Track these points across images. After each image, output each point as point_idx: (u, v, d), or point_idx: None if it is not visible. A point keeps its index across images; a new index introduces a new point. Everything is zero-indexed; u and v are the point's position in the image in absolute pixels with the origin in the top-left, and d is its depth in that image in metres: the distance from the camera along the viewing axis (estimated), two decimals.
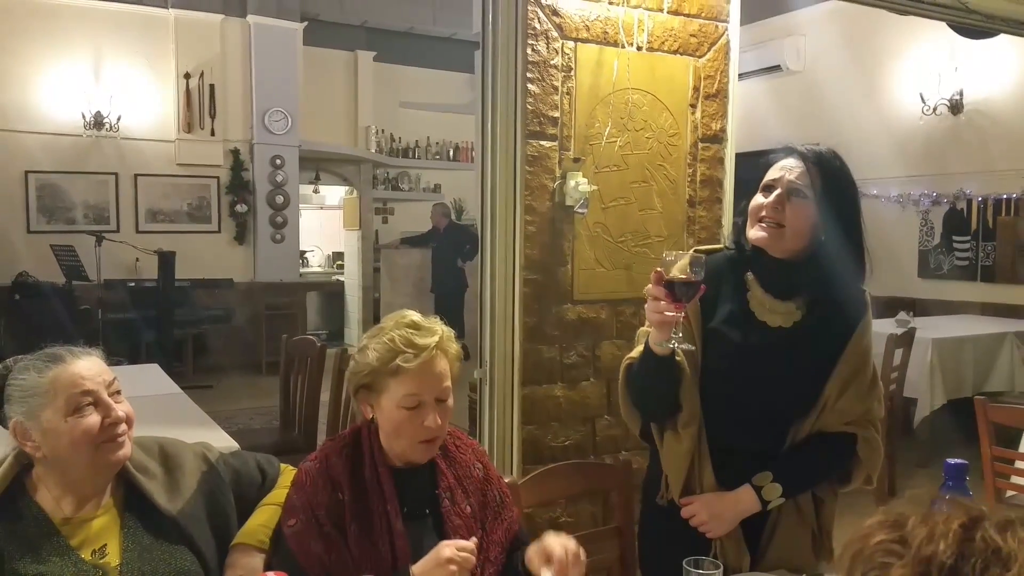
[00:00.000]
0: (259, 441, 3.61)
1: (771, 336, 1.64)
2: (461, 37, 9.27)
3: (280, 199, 8.39)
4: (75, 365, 1.34)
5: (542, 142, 2.57)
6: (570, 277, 2.66)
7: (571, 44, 2.60)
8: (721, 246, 1.79)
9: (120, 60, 7.61)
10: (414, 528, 1.45)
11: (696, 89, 2.83)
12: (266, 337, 7.88)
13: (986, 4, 3.54)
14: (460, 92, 9.66)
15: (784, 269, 1.64)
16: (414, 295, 8.53)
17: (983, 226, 5.92)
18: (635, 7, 2.69)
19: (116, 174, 7.69)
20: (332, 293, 9.93)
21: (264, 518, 1.49)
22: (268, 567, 1.40)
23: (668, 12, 2.76)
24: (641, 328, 1.73)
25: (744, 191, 1.72)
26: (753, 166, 1.72)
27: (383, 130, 9.79)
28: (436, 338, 1.46)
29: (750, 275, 1.68)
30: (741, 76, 3.03)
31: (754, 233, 1.62)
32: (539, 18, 2.54)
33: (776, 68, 7.07)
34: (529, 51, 2.53)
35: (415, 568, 1.37)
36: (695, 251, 1.61)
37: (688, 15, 2.80)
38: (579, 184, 2.57)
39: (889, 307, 5.58)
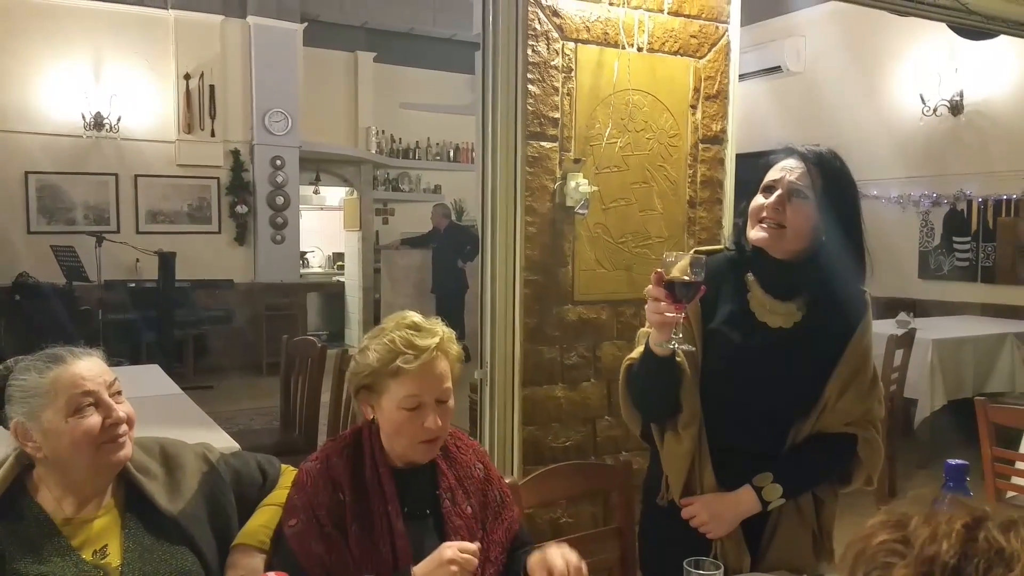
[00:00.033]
0: (260, 442, 3.62)
1: (771, 337, 1.64)
2: (461, 38, 9.28)
3: (280, 200, 8.39)
4: (76, 366, 1.34)
5: (542, 143, 2.57)
6: (571, 278, 2.66)
7: (571, 45, 2.60)
8: (721, 247, 1.79)
9: (120, 61, 7.61)
10: (415, 528, 1.46)
11: (696, 90, 2.84)
12: (266, 338, 7.89)
13: (986, 5, 3.54)
14: (460, 93, 9.66)
15: (784, 270, 1.64)
16: (414, 296, 8.53)
17: (983, 227, 5.92)
18: (635, 8, 2.69)
19: (116, 175, 7.69)
20: (332, 294, 9.94)
21: (265, 518, 1.49)
22: (269, 567, 1.40)
23: (668, 13, 2.76)
24: (641, 329, 1.73)
25: (744, 192, 1.72)
26: (753, 167, 1.72)
27: (383, 131, 9.79)
28: (437, 339, 1.46)
29: (750, 276, 1.68)
30: (741, 77, 3.03)
31: (755, 234, 1.62)
32: (539, 19, 2.54)
33: (776, 69, 7.07)
34: (529, 52, 2.53)
35: (417, 569, 1.37)
36: (695, 252, 1.61)
37: (688, 16, 2.80)
38: (579, 185, 2.57)
39: (889, 308, 5.58)
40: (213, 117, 7.96)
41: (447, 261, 8.39)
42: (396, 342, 1.43)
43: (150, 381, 3.42)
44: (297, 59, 8.41)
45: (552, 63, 2.57)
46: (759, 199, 1.63)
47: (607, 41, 2.66)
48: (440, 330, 1.49)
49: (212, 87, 7.92)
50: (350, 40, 9.42)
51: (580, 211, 2.62)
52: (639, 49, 2.71)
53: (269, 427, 5.24)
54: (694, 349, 1.64)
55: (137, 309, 6.99)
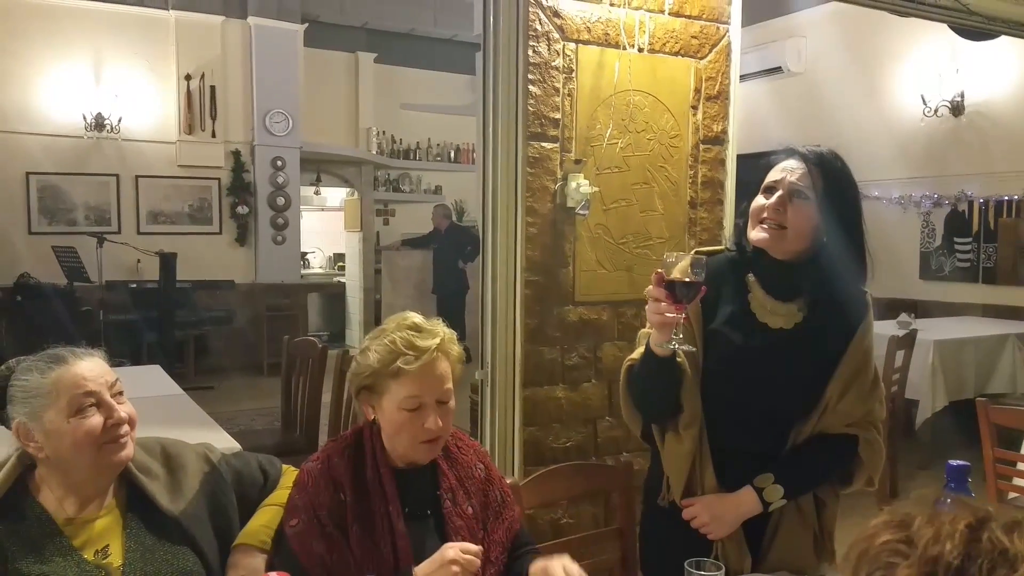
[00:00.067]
0: (261, 442, 3.62)
1: (772, 337, 1.64)
2: (462, 39, 9.27)
3: (281, 200, 8.39)
4: (77, 366, 1.34)
5: (543, 144, 2.57)
6: (571, 278, 2.66)
7: (572, 46, 2.60)
8: (722, 247, 1.79)
9: (121, 62, 7.61)
10: (416, 528, 1.46)
11: (697, 91, 2.84)
12: (267, 338, 7.89)
13: (987, 6, 3.54)
14: (461, 94, 9.66)
15: (785, 270, 1.64)
16: (415, 296, 8.53)
17: (984, 228, 5.92)
18: (636, 9, 2.69)
19: (117, 175, 7.69)
20: (333, 294, 9.94)
21: (266, 518, 1.49)
22: (270, 567, 1.40)
23: (669, 14, 2.76)
24: (642, 329, 1.73)
25: (745, 192, 1.71)
26: (754, 167, 1.72)
27: (384, 132, 9.80)
28: (437, 340, 1.46)
29: (751, 276, 1.68)
30: (742, 78, 3.03)
31: (756, 234, 1.62)
32: (540, 20, 2.54)
33: (777, 70, 7.07)
34: (530, 53, 2.53)
35: (418, 569, 1.37)
36: (696, 252, 1.60)
37: (689, 17, 2.80)
38: (580, 186, 2.57)
39: (890, 309, 5.58)
40: (214, 118, 7.96)
41: (448, 262, 8.39)
42: (397, 343, 1.43)
43: (151, 381, 3.43)
44: (298, 60, 8.41)
45: (553, 64, 2.57)
46: (760, 200, 1.63)
47: (608, 42, 2.66)
48: (441, 331, 1.49)
49: (213, 88, 7.93)
50: (351, 41, 9.42)
51: (581, 212, 2.62)
52: (640, 50, 2.71)
53: (270, 427, 5.24)
54: (695, 349, 1.64)
55: (138, 310, 7.00)
